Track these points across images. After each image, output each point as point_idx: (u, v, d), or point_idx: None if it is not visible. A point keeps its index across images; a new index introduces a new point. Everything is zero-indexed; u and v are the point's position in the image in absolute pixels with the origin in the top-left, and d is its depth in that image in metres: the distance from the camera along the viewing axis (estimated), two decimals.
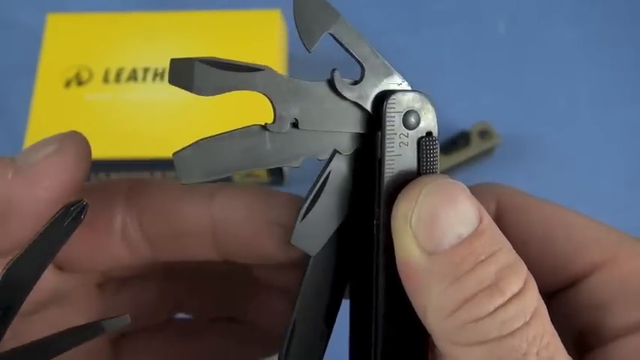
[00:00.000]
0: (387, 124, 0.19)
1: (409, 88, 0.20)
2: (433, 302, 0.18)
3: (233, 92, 0.18)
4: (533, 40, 0.54)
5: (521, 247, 0.19)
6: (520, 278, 0.18)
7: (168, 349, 0.28)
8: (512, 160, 0.49)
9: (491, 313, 0.17)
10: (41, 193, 0.20)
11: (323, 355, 0.22)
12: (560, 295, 0.24)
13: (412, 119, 0.20)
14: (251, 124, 0.19)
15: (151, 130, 0.45)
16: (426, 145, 0.20)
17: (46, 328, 0.23)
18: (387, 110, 0.19)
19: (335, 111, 0.20)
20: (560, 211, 0.24)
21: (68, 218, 0.19)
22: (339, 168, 0.20)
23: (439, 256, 0.18)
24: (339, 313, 0.22)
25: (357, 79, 0.20)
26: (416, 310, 0.19)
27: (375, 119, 0.20)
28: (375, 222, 0.20)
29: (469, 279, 0.18)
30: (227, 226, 0.22)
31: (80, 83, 0.46)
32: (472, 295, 0.17)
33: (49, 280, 0.19)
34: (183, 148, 0.18)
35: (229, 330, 0.28)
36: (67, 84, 0.46)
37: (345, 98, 0.20)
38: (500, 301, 0.17)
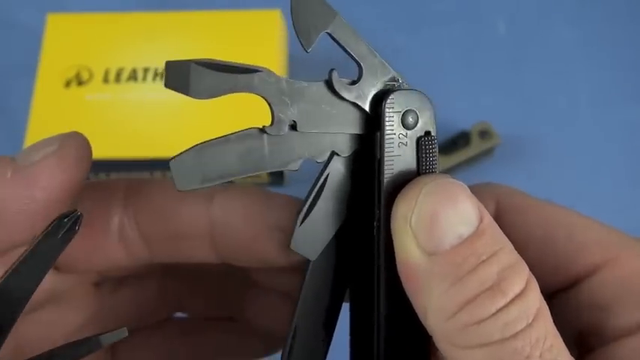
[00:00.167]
0: (386, 124, 0.19)
1: (407, 87, 0.20)
2: (434, 303, 0.18)
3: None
4: (533, 40, 0.54)
5: (521, 248, 0.19)
6: (522, 278, 0.18)
7: (167, 346, 0.28)
8: (512, 160, 0.49)
9: (493, 315, 0.17)
10: (39, 193, 0.20)
11: (325, 359, 0.22)
12: (560, 295, 0.24)
13: (411, 119, 0.20)
14: (248, 126, 0.19)
15: (151, 130, 0.45)
16: (425, 145, 0.20)
17: (43, 327, 0.23)
18: (386, 110, 0.19)
19: (333, 112, 0.20)
20: (560, 211, 0.24)
21: (62, 230, 0.18)
22: (338, 170, 0.20)
23: (440, 256, 0.18)
24: (339, 317, 0.22)
25: (356, 78, 0.20)
26: (416, 311, 0.19)
27: (373, 119, 0.20)
28: (374, 223, 0.20)
29: (471, 280, 0.17)
30: (226, 228, 0.22)
31: (80, 83, 0.46)
32: (474, 296, 0.17)
33: (45, 280, 0.19)
34: (179, 155, 0.18)
35: (228, 327, 0.28)
36: (67, 84, 0.46)
37: (343, 99, 0.19)
38: (502, 302, 0.17)
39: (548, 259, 0.24)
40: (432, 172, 0.20)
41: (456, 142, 0.48)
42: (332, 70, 0.19)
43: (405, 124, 0.20)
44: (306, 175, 0.21)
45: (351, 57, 0.19)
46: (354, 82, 0.20)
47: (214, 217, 0.22)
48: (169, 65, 0.17)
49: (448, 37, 0.54)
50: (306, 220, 0.20)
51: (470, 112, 0.49)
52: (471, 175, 0.48)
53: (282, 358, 0.21)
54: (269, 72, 0.19)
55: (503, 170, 0.49)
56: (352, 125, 0.20)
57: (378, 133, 0.20)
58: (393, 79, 0.20)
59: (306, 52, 0.19)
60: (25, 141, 0.45)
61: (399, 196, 0.19)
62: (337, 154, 0.20)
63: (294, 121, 0.19)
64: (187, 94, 0.17)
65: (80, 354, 0.19)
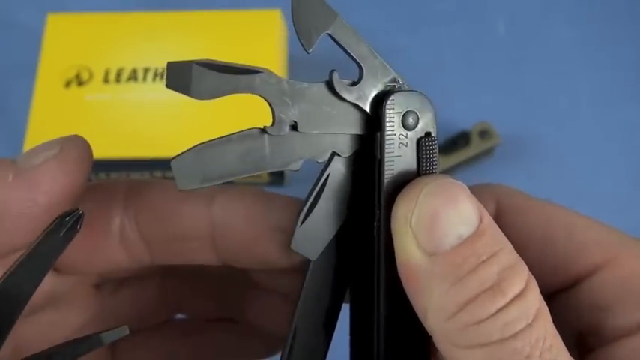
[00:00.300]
0: (387, 124, 0.19)
1: (408, 88, 0.20)
2: (434, 304, 0.18)
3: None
4: (533, 40, 0.54)
5: (521, 248, 0.19)
6: (522, 279, 0.18)
7: (167, 347, 0.28)
8: (512, 160, 0.49)
9: (493, 315, 0.17)
10: (40, 197, 0.20)
11: (324, 359, 0.22)
12: (560, 295, 0.24)
13: (411, 120, 0.20)
14: (249, 127, 0.19)
15: (151, 130, 0.45)
16: (426, 146, 0.20)
17: (43, 329, 0.23)
18: (386, 111, 0.19)
19: (334, 113, 0.20)
20: (560, 211, 0.24)
21: (64, 229, 0.18)
22: (338, 170, 0.20)
23: (440, 256, 0.18)
24: (339, 317, 0.22)
25: (356, 79, 0.20)
26: (417, 311, 0.19)
27: (374, 120, 0.20)
28: (375, 224, 0.20)
29: (471, 280, 0.18)
30: (226, 229, 0.22)
31: (80, 83, 0.46)
32: (474, 296, 0.17)
33: (45, 282, 0.19)
34: (180, 154, 0.18)
35: (228, 328, 0.28)
36: (67, 84, 0.46)
37: (343, 100, 0.20)
38: (502, 302, 0.17)
39: (548, 259, 0.24)
40: (433, 172, 0.20)
41: (456, 142, 0.48)
42: (333, 70, 0.19)
43: (405, 125, 0.20)
44: (307, 175, 0.21)
45: (352, 58, 0.19)
46: (354, 83, 0.20)
47: (215, 219, 0.22)
48: (171, 66, 0.17)
49: (448, 37, 0.54)
50: (306, 220, 0.20)
51: (470, 112, 0.49)
52: (471, 175, 0.48)
53: (281, 358, 0.21)
54: (270, 73, 0.19)
55: (503, 170, 0.49)
56: (353, 126, 0.20)
57: (379, 134, 0.20)
58: (394, 80, 0.20)
59: (307, 53, 0.19)
60: (25, 141, 0.45)
61: (399, 196, 0.19)
62: (338, 155, 0.20)
63: (295, 122, 0.19)
64: (188, 95, 0.17)
65: (81, 351, 0.19)
